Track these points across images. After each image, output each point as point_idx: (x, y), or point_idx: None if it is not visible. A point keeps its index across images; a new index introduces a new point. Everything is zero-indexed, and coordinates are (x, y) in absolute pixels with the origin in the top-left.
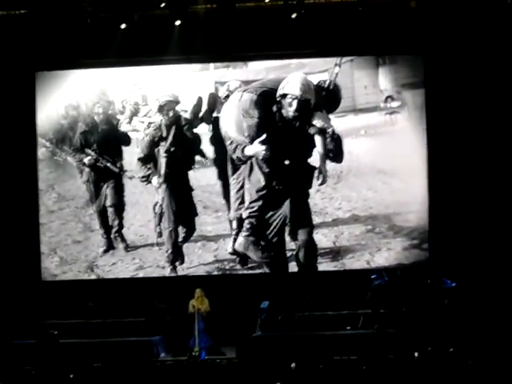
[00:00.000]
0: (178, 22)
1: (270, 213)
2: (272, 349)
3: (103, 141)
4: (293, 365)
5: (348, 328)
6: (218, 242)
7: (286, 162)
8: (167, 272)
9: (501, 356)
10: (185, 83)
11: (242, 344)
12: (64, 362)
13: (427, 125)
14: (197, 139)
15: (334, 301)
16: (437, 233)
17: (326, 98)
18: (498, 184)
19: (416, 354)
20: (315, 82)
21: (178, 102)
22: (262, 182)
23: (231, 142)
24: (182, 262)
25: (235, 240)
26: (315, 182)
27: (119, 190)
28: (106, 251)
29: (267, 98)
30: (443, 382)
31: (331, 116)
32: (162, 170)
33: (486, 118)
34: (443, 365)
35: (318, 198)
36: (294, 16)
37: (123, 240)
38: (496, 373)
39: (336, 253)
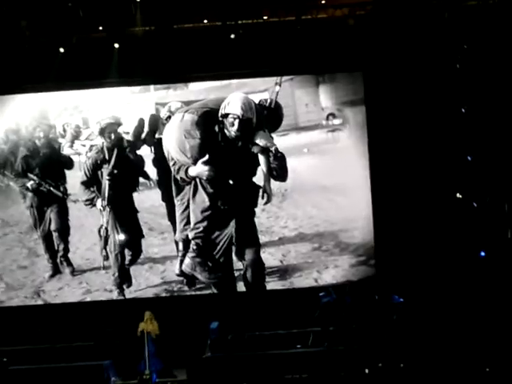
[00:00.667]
0: (116, 45)
1: (216, 233)
2: (223, 369)
3: (45, 165)
4: None
5: (298, 346)
6: (164, 263)
7: (231, 182)
8: (115, 295)
9: (450, 369)
10: (125, 105)
11: (192, 366)
12: None
13: (369, 141)
14: (140, 161)
15: (284, 319)
16: (383, 248)
17: (267, 116)
18: (440, 198)
19: (367, 371)
20: (256, 101)
21: (119, 124)
22: (207, 203)
23: (174, 163)
24: (130, 284)
25: (182, 261)
26: (260, 201)
27: (63, 214)
28: (52, 276)
29: (209, 119)
30: None
31: (274, 135)
32: (106, 193)
33: (427, 133)
34: (394, 380)
35: (263, 216)
36: (232, 36)
37: (69, 264)
38: None
39: (284, 271)
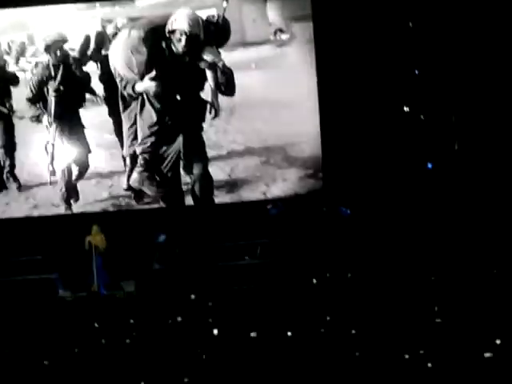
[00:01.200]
0: None
1: (164, 148)
2: (171, 281)
3: None
4: (192, 296)
5: (246, 258)
6: (112, 178)
7: (178, 97)
8: (62, 210)
9: (395, 279)
10: (71, 22)
11: (140, 278)
12: None
13: (316, 56)
14: (86, 77)
15: (232, 232)
16: (330, 161)
17: (215, 32)
18: (388, 111)
19: (314, 281)
20: (204, 17)
21: (65, 41)
22: (154, 118)
23: (121, 79)
24: (77, 199)
25: (129, 176)
26: (208, 116)
27: (9, 131)
28: None
29: (156, 35)
30: (342, 305)
31: (221, 50)
32: (52, 109)
33: (374, 47)
34: (341, 290)
35: (211, 131)
36: None
37: (16, 180)
38: (393, 294)
39: (232, 185)
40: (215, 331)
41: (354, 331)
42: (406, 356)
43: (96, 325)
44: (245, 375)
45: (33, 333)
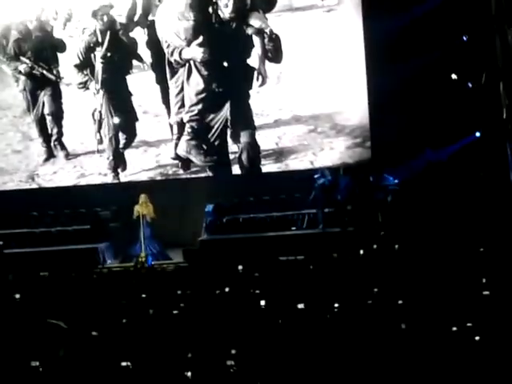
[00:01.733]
0: None
1: (211, 115)
2: (218, 251)
3: (38, 48)
4: (240, 267)
5: (293, 228)
6: (159, 147)
7: (225, 64)
8: (109, 179)
9: (444, 251)
10: None
11: (188, 247)
12: (10, 271)
13: (364, 23)
14: (133, 43)
15: (279, 202)
16: (378, 130)
17: None
18: (436, 79)
19: (361, 252)
20: None
21: (111, 7)
22: (202, 85)
23: (168, 46)
24: (124, 168)
25: (177, 145)
26: (255, 83)
27: (57, 98)
28: (46, 160)
29: (203, 0)
30: (389, 278)
31: (268, 16)
32: (99, 76)
33: (424, 16)
34: (388, 262)
35: (258, 99)
36: None
37: (63, 148)
38: (440, 268)
39: (279, 154)
40: (262, 302)
41: (400, 302)
42: (454, 328)
43: (143, 295)
44: (291, 347)
45: (80, 303)
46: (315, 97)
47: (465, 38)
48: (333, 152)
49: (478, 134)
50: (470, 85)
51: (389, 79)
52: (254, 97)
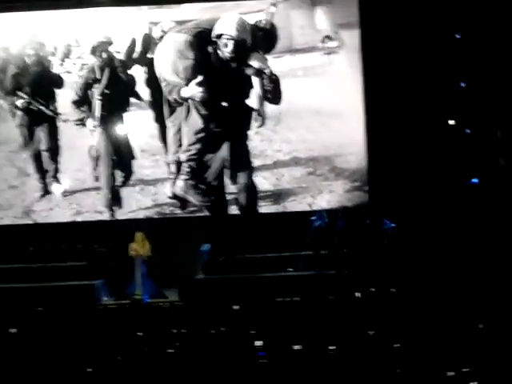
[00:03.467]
0: None
1: (209, 155)
2: (214, 291)
3: (36, 83)
4: (236, 307)
5: (290, 270)
6: (156, 185)
7: (224, 104)
8: (106, 217)
9: (441, 294)
10: (118, 24)
11: (184, 287)
12: (5, 307)
13: (364, 65)
14: (131, 81)
15: (276, 243)
16: (376, 174)
17: (262, 38)
18: (433, 124)
19: (358, 295)
20: (251, 22)
21: (111, 43)
22: (200, 125)
23: (167, 84)
24: (121, 206)
25: (174, 184)
26: (254, 124)
27: (53, 134)
28: (42, 196)
29: (202, 39)
30: (385, 321)
31: (268, 57)
32: (97, 113)
33: (420, 59)
34: (385, 305)
35: (257, 140)
36: None
37: (59, 184)
38: (438, 310)
39: (277, 196)
40: (258, 343)
41: (396, 345)
42: (450, 373)
43: (139, 333)
44: None
45: (76, 339)
46: (314, 139)
47: (462, 85)
48: (331, 195)
49: (475, 181)
50: (468, 130)
51: (388, 125)
52: (253, 137)
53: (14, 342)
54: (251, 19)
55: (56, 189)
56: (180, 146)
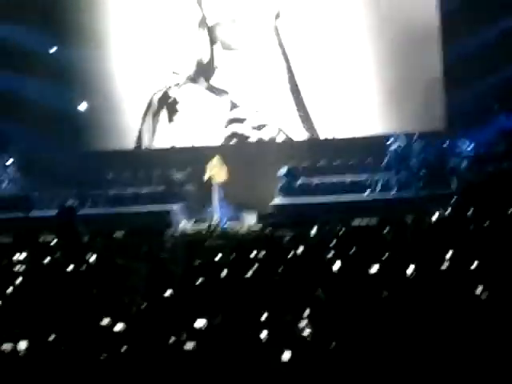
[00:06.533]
0: None
1: None
2: (292, 215)
3: None
4: (313, 231)
5: (366, 193)
6: None
7: None
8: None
9: None
10: None
11: (262, 210)
12: (84, 232)
13: None
14: None
15: (352, 166)
16: (454, 97)
17: None
18: None
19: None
20: None
21: None
22: None
23: None
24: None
25: None
26: None
27: None
28: None
29: None
30: (461, 242)
31: None
32: None
33: None
34: (462, 226)
35: None
36: None
37: None
38: None
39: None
40: (335, 267)
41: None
42: None
43: (216, 258)
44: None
45: (154, 263)
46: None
47: None
48: (408, 118)
49: None
50: None
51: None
52: None
53: (92, 269)
54: None
55: None
56: None
